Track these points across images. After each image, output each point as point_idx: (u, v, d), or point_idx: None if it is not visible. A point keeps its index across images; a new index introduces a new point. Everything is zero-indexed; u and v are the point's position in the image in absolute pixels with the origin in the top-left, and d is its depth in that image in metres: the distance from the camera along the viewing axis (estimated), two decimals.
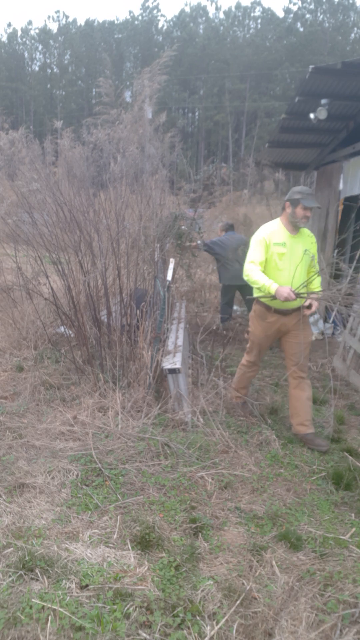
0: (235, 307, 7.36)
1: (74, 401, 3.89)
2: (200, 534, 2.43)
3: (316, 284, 3.43)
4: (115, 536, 2.39)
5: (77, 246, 4.32)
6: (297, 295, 3.21)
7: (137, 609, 1.93)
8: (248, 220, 10.26)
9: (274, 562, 2.25)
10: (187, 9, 54.52)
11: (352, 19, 48.51)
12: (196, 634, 1.84)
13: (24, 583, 2.04)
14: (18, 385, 4.25)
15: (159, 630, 1.84)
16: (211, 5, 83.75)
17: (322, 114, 5.69)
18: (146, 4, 54.10)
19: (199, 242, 6.50)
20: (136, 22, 54.39)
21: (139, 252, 4.66)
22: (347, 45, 46.50)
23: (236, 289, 6.64)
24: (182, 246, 5.56)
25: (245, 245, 6.63)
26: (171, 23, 54.35)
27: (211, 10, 72.53)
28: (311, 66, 4.83)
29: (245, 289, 6.64)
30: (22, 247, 5.59)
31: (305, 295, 3.30)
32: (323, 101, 5.64)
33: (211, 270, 8.41)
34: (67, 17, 67.12)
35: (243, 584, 2.11)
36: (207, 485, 2.86)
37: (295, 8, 50.15)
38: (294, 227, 3.39)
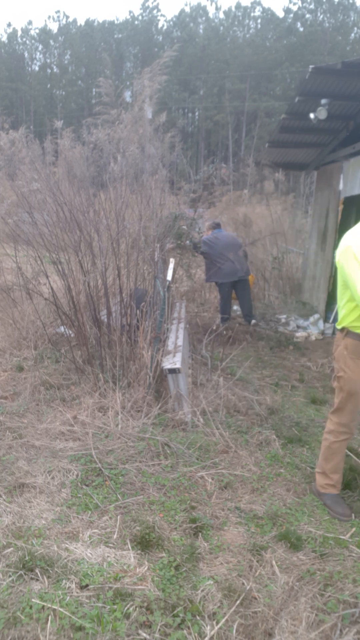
0: (234, 307, 7.36)
1: (74, 401, 3.89)
2: (200, 534, 2.43)
3: None
4: (115, 536, 2.39)
5: (77, 246, 4.31)
6: None
7: (137, 609, 1.93)
8: (248, 220, 10.25)
9: (274, 562, 2.25)
10: (187, 9, 54.56)
11: (352, 19, 48.53)
12: (196, 634, 1.84)
13: (24, 583, 2.04)
14: (18, 385, 4.25)
15: (159, 630, 1.84)
16: (211, 5, 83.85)
17: (322, 114, 5.69)
18: (146, 4, 54.11)
19: (187, 242, 6.49)
20: (136, 22, 54.39)
21: (139, 252, 4.66)
22: (347, 45, 46.52)
23: (232, 287, 6.61)
24: (182, 246, 5.56)
25: (240, 245, 6.58)
26: (171, 23, 54.37)
27: (211, 10, 72.64)
28: (311, 66, 4.84)
29: (240, 285, 6.63)
30: (22, 247, 5.59)
31: None
32: (323, 101, 5.65)
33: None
34: (67, 17, 67.14)
35: (243, 584, 2.11)
36: (207, 485, 2.86)
37: (295, 8, 50.20)
38: None
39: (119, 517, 2.53)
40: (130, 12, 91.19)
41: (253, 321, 6.48)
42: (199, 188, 6.60)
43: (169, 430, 3.46)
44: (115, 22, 56.71)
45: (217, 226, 6.81)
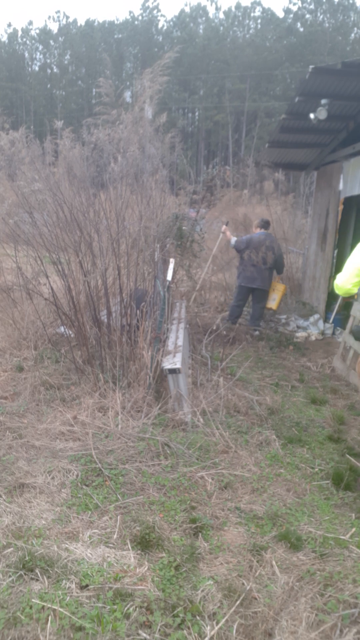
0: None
1: (74, 401, 3.89)
2: (200, 534, 2.43)
3: None
4: (115, 536, 2.39)
5: (77, 246, 4.31)
6: None
7: (137, 609, 1.93)
8: (248, 220, 10.26)
9: (274, 562, 2.25)
10: (187, 9, 54.56)
11: (352, 19, 48.48)
12: (196, 634, 1.84)
13: (24, 583, 2.04)
14: (18, 385, 4.25)
15: (159, 630, 1.84)
16: (211, 5, 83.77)
17: (322, 114, 5.69)
18: (146, 4, 54.08)
19: (233, 239, 6.48)
20: (136, 22, 54.37)
21: (139, 252, 4.66)
22: (347, 45, 46.47)
23: (248, 292, 6.56)
24: (184, 246, 5.55)
25: (262, 245, 6.38)
26: (171, 23, 54.37)
27: (211, 11, 72.53)
28: (311, 66, 4.83)
29: (256, 294, 6.56)
30: (22, 247, 5.59)
31: None
32: (323, 101, 5.64)
33: (211, 271, 8.40)
34: (67, 17, 67.21)
35: (243, 584, 2.11)
36: (207, 485, 2.86)
37: (295, 8, 50.13)
38: None
39: (119, 517, 2.53)
40: (130, 12, 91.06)
41: (257, 332, 6.44)
42: (202, 189, 6.58)
43: (169, 430, 3.46)
44: (115, 22, 56.72)
45: (264, 226, 6.55)
